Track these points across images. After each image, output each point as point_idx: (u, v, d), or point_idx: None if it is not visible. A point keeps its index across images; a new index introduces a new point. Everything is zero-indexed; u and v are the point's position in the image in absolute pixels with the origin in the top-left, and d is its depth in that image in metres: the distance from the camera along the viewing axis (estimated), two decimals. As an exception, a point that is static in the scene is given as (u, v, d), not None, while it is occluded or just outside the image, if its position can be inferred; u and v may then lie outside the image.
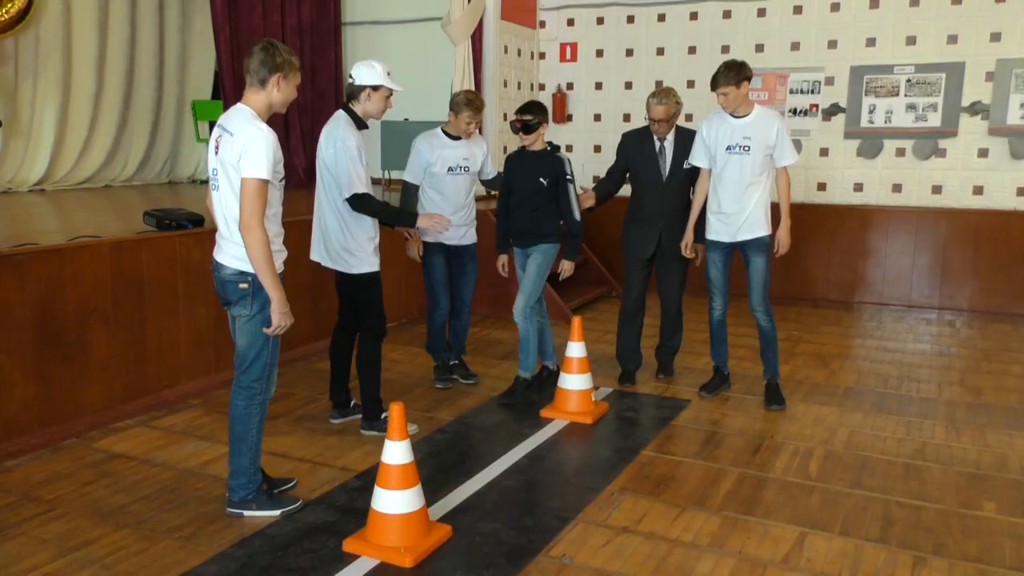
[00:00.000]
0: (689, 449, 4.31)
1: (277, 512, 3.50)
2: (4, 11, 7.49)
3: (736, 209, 4.76)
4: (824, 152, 7.95)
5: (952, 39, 7.36)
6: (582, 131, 8.91)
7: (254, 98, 3.33)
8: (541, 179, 4.77)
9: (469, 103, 4.99)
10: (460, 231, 5.12)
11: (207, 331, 5.10)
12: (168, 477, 3.91)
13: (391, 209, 4.53)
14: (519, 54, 8.63)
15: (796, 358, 6.01)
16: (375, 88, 4.21)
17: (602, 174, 5.57)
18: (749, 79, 4.66)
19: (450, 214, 4.92)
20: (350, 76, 4.29)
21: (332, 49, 9.05)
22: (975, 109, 7.36)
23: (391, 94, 4.29)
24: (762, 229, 4.80)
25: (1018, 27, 7.14)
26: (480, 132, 5.47)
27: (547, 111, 4.83)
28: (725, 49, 8.12)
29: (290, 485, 3.77)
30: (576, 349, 4.73)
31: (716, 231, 4.86)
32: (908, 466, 4.09)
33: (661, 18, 8.42)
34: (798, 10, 7.87)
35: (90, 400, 4.48)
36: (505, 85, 8.42)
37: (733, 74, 4.61)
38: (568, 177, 4.81)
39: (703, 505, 3.65)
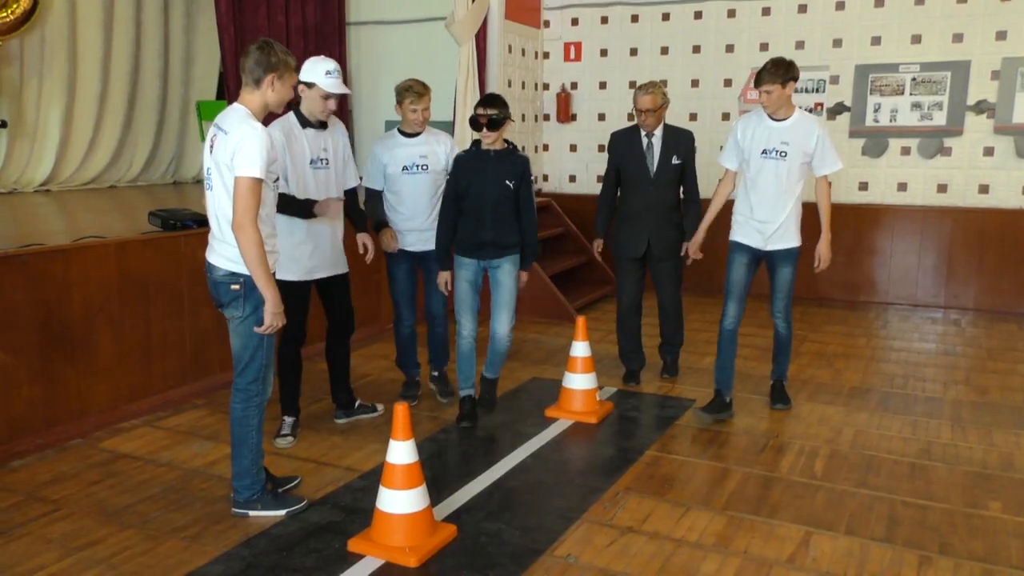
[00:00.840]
0: (694, 449, 4.30)
1: (282, 512, 3.50)
2: (9, 12, 7.51)
3: (769, 217, 4.53)
4: (829, 151, 7.92)
5: (958, 37, 7.34)
6: (586, 131, 8.90)
7: (249, 98, 3.32)
8: (508, 182, 4.29)
9: (408, 88, 4.56)
10: (424, 235, 4.70)
11: (212, 331, 5.10)
12: (173, 477, 3.91)
13: (286, 204, 4.12)
14: (523, 54, 8.62)
15: (801, 357, 6.00)
16: (308, 86, 4.05)
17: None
18: (796, 79, 4.39)
19: (409, 217, 4.68)
20: None
21: (336, 49, 9.05)
22: (981, 108, 7.34)
23: (329, 96, 4.07)
24: (793, 240, 4.60)
25: (1024, 25, 7.13)
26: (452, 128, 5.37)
27: (508, 106, 4.33)
28: (730, 48, 8.12)
29: (294, 484, 3.78)
30: (580, 349, 4.73)
31: (746, 235, 4.63)
32: (914, 465, 4.08)
33: (665, 17, 8.41)
34: (803, 9, 7.85)
35: (96, 400, 4.49)
36: (509, 85, 8.41)
37: (781, 72, 4.32)
38: (531, 178, 4.42)
39: (708, 505, 3.65)
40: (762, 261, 4.70)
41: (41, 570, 3.09)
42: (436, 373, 5.09)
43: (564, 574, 3.08)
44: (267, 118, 3.42)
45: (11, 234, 4.91)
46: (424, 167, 4.67)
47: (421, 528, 3.18)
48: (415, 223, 4.69)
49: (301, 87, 4.03)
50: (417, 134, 4.70)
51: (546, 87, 9.05)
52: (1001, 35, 7.19)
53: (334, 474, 3.96)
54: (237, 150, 3.16)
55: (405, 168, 4.65)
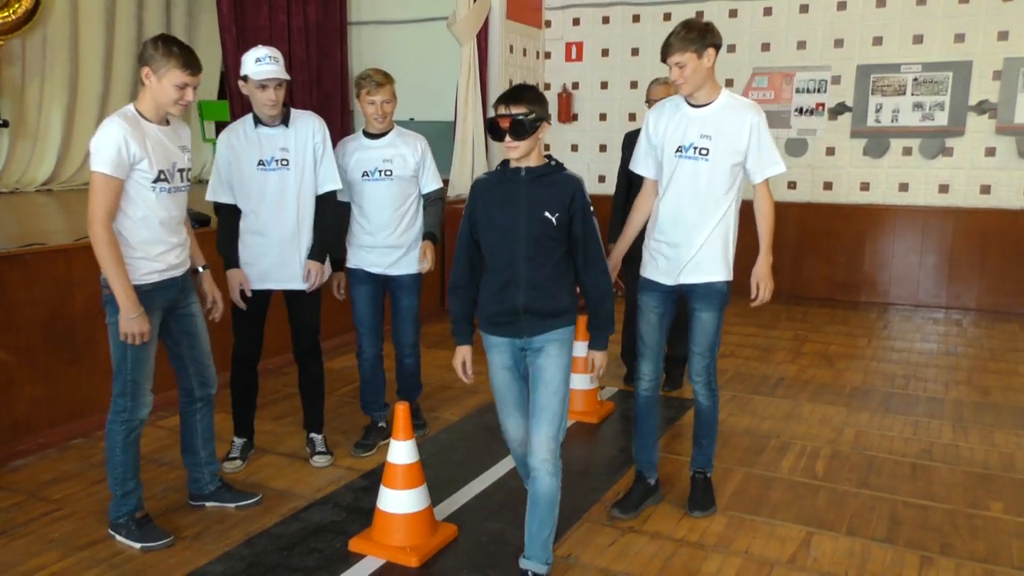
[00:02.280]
0: (695, 449, 4.30)
1: (138, 545, 3.23)
2: (11, 12, 7.52)
3: (682, 239, 3.34)
4: (831, 151, 7.92)
5: (959, 38, 7.34)
6: (588, 131, 8.90)
7: (141, 94, 3.13)
8: (548, 214, 2.80)
9: (366, 77, 3.97)
10: (389, 255, 4.10)
11: (214, 331, 5.07)
12: (174, 477, 3.91)
13: (222, 239, 3.87)
14: (524, 54, 8.63)
15: (803, 357, 6.00)
16: (245, 80, 3.68)
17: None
18: (717, 47, 3.22)
19: (371, 232, 4.05)
20: None
21: (338, 49, 9.06)
22: (982, 108, 7.33)
23: (264, 84, 3.63)
24: (718, 272, 3.36)
25: (1026, 25, 7.12)
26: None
27: (547, 102, 2.90)
28: (731, 48, 8.11)
29: (252, 501, 3.59)
30: (581, 349, 4.71)
31: (652, 268, 3.45)
32: (915, 466, 4.07)
33: (667, 17, 8.40)
34: (804, 9, 7.85)
35: (98, 400, 4.49)
36: (511, 84, 8.41)
37: (694, 35, 3.18)
38: (591, 209, 2.88)
39: (709, 505, 3.64)
40: (679, 301, 3.53)
41: (43, 569, 3.09)
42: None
43: (565, 574, 3.08)
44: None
45: (13, 233, 4.91)
46: (387, 172, 4.01)
47: (422, 528, 3.18)
48: (378, 239, 4.07)
49: (241, 83, 3.72)
50: (383, 134, 4.08)
51: (547, 87, 9.05)
52: (1003, 35, 7.19)
53: (335, 473, 3.96)
54: (91, 144, 2.99)
55: (365, 174, 4.02)
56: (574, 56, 8.89)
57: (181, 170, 3.23)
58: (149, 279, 3.15)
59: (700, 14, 8.21)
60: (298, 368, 4.14)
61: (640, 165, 3.52)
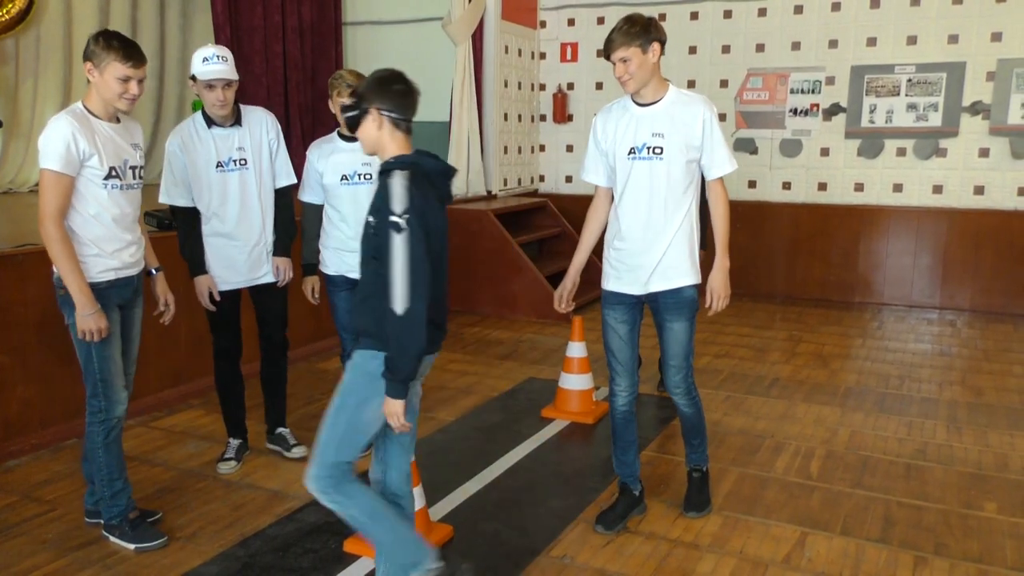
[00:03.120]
0: (690, 449, 4.30)
1: (132, 546, 3.23)
2: (5, 11, 7.49)
3: (643, 246, 3.24)
4: (825, 152, 7.94)
5: (953, 39, 7.36)
6: (583, 131, 8.90)
7: (88, 93, 3.10)
8: (370, 218, 2.49)
9: (339, 78, 3.87)
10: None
11: (207, 332, 5.08)
12: (169, 477, 3.91)
13: (185, 243, 3.81)
14: (520, 54, 8.63)
15: (797, 358, 6.01)
16: (194, 80, 3.64)
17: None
18: (662, 42, 3.13)
19: (353, 236, 3.76)
20: None
21: (333, 49, 9.05)
22: (976, 109, 7.35)
23: (212, 84, 3.59)
24: (686, 276, 3.26)
25: (1019, 27, 7.13)
26: None
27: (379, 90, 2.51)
28: (726, 49, 8.13)
29: (155, 517, 3.46)
30: (577, 349, 4.73)
31: (616, 278, 3.32)
32: (909, 466, 4.08)
33: (662, 18, 8.40)
34: (799, 10, 7.86)
35: (91, 400, 4.48)
36: (506, 85, 8.42)
37: (637, 30, 3.08)
38: (399, 224, 2.37)
39: (704, 505, 3.65)
40: (644, 310, 3.42)
41: (36, 570, 3.09)
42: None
43: (560, 574, 3.08)
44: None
45: (6, 234, 4.90)
46: (367, 176, 3.89)
47: (417, 528, 3.17)
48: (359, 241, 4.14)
49: (190, 83, 3.69)
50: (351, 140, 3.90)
51: (542, 87, 9.06)
52: (996, 36, 7.21)
53: (330, 474, 3.95)
54: (39, 141, 2.97)
55: (344, 178, 3.88)
56: (569, 57, 8.89)
57: (133, 167, 3.20)
58: (105, 277, 3.13)
59: (695, 15, 8.24)
60: (263, 361, 4.13)
61: (591, 174, 3.41)
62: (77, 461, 4.07)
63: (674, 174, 3.18)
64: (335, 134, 4.03)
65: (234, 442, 4.11)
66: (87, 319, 3.02)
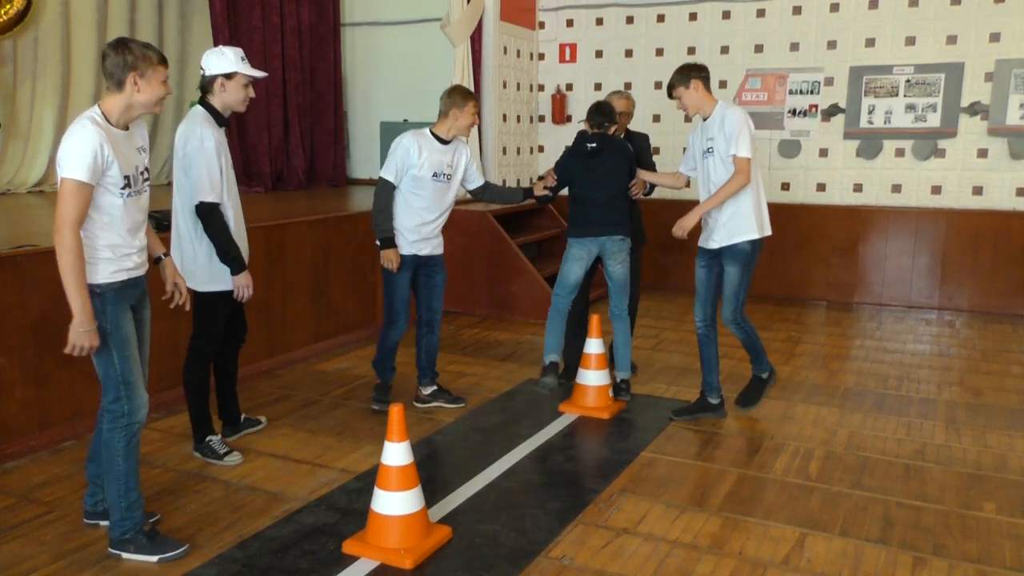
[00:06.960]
0: (689, 450, 4.30)
1: (154, 558, 3.16)
2: (3, 12, 7.49)
3: (711, 214, 4.54)
4: (823, 153, 7.95)
5: (951, 39, 7.36)
6: (581, 132, 8.90)
7: (110, 100, 3.07)
8: None
9: (470, 93, 4.59)
10: (436, 241, 4.68)
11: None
12: (168, 479, 3.90)
13: (228, 243, 3.90)
14: (518, 55, 8.63)
15: (796, 359, 6.01)
16: (228, 76, 3.81)
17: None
18: (704, 78, 4.46)
19: (430, 220, 4.57)
20: (201, 68, 3.90)
21: (331, 50, 9.05)
22: (974, 109, 7.36)
23: (249, 82, 3.87)
24: (737, 235, 4.48)
25: (1017, 27, 7.15)
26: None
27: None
28: (724, 50, 8.13)
29: (153, 520, 3.40)
30: (594, 346, 4.78)
31: (702, 236, 4.67)
32: (908, 467, 4.09)
33: (660, 19, 8.42)
34: (797, 11, 7.87)
35: (89, 402, 4.46)
36: (504, 86, 8.41)
37: (682, 76, 4.46)
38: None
39: (703, 506, 3.65)
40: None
41: (34, 572, 3.08)
42: (435, 388, 4.93)
43: (559, 575, 3.09)
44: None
45: (5, 235, 4.89)
46: (448, 176, 4.60)
47: (416, 530, 3.18)
48: (433, 228, 4.62)
49: (219, 80, 3.81)
50: (449, 141, 4.61)
51: (541, 88, 9.06)
52: (995, 37, 7.22)
53: (329, 476, 3.95)
54: (62, 150, 2.95)
55: (436, 175, 4.53)
56: (568, 57, 8.90)
57: (142, 172, 3.21)
58: (117, 277, 3.12)
59: (693, 16, 8.25)
60: (230, 356, 4.32)
61: (684, 167, 4.83)
62: (76, 463, 4.07)
63: (718, 164, 4.48)
64: (427, 131, 4.57)
65: (217, 435, 4.18)
66: (82, 335, 3.00)
